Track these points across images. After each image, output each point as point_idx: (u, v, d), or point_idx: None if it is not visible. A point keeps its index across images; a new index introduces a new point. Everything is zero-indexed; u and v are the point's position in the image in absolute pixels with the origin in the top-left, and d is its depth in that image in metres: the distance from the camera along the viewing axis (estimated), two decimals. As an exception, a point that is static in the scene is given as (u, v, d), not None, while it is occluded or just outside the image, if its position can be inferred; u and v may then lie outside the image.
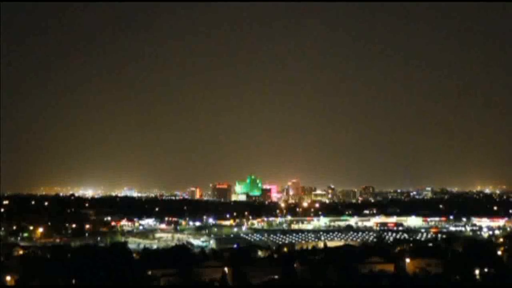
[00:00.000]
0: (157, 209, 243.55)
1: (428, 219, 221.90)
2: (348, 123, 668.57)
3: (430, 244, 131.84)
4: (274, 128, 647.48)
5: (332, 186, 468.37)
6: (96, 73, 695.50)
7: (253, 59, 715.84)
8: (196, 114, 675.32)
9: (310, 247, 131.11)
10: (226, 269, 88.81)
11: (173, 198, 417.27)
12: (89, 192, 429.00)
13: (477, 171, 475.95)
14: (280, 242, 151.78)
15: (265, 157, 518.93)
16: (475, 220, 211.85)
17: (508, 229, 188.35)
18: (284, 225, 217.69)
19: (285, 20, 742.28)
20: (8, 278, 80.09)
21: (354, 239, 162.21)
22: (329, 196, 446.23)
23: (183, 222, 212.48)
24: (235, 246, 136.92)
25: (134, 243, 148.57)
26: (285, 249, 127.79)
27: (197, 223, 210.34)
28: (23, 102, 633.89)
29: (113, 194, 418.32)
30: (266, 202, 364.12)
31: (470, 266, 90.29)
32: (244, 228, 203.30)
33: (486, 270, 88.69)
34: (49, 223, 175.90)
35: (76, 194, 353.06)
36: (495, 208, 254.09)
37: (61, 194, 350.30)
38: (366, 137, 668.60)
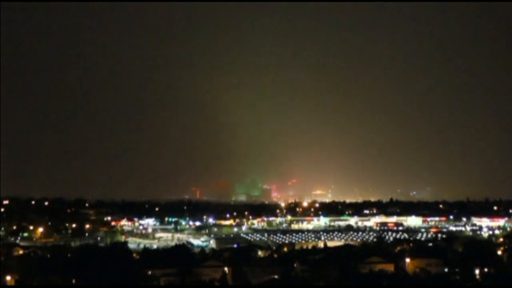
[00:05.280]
0: (157, 209, 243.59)
1: (428, 219, 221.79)
2: (348, 123, 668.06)
3: (430, 244, 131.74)
4: (274, 128, 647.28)
5: (332, 186, 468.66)
6: (96, 74, 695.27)
7: (252, 59, 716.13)
8: (195, 114, 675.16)
9: (310, 247, 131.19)
10: (226, 269, 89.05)
11: (173, 197, 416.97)
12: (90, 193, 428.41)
13: (477, 170, 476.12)
14: (280, 242, 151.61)
15: (265, 157, 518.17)
16: (475, 220, 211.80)
17: (508, 229, 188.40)
18: (284, 225, 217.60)
19: (285, 20, 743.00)
20: (8, 278, 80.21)
21: (354, 239, 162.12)
22: (329, 196, 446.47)
23: (183, 222, 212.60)
24: (235, 246, 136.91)
25: (134, 243, 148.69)
26: (285, 249, 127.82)
27: (197, 223, 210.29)
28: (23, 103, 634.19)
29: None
30: (266, 202, 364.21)
31: (470, 266, 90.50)
32: (244, 228, 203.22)
33: (486, 270, 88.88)
34: (49, 223, 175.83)
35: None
36: (495, 208, 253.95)
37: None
38: (366, 136, 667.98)
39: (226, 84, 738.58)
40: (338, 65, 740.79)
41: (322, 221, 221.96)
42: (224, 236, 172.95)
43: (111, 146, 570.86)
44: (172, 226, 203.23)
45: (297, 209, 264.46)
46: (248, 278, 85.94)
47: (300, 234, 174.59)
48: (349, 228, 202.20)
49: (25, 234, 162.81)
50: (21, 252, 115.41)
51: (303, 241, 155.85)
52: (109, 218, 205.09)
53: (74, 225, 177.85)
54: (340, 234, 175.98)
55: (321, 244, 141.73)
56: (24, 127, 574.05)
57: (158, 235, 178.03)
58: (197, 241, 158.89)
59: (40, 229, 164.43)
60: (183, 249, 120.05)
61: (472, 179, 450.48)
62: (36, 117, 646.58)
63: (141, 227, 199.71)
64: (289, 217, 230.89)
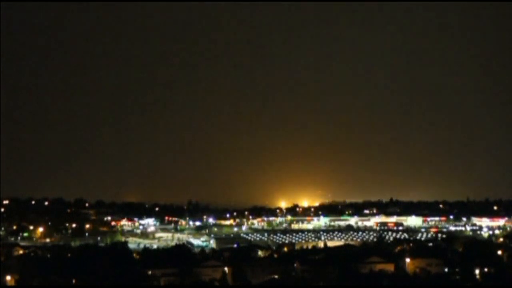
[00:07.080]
0: (157, 209, 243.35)
1: (428, 219, 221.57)
2: (349, 122, 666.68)
3: (430, 244, 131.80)
4: (274, 127, 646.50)
5: (332, 186, 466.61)
6: (97, 74, 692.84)
7: (252, 59, 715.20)
8: (195, 115, 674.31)
9: (310, 247, 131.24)
10: (226, 269, 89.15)
11: (173, 198, 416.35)
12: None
13: (477, 170, 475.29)
14: (280, 242, 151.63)
15: (265, 157, 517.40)
16: (475, 220, 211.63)
17: (508, 229, 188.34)
18: (284, 225, 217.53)
19: (287, 20, 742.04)
20: (8, 278, 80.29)
21: (354, 239, 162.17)
22: (329, 196, 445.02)
23: (183, 222, 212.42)
24: (235, 246, 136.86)
25: (134, 243, 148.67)
26: (285, 249, 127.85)
27: (197, 223, 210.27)
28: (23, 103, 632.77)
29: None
30: (266, 202, 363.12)
31: (470, 266, 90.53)
32: (244, 228, 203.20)
33: (486, 270, 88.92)
34: (49, 223, 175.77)
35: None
36: (495, 208, 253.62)
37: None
38: (366, 136, 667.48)
39: (225, 85, 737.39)
40: (339, 64, 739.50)
41: (322, 221, 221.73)
42: (224, 236, 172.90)
43: (111, 146, 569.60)
44: (172, 226, 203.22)
45: (297, 209, 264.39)
46: (248, 278, 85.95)
47: (300, 234, 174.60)
48: (349, 228, 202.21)
49: (25, 234, 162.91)
50: (21, 252, 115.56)
51: (303, 241, 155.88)
52: (109, 218, 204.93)
53: (74, 225, 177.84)
54: (340, 234, 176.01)
55: (321, 244, 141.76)
56: (24, 127, 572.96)
57: (158, 235, 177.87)
58: (197, 241, 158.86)
59: (40, 229, 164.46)
60: (183, 249, 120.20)
61: (472, 179, 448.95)
62: (36, 117, 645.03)
63: (141, 227, 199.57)
64: (289, 217, 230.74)
